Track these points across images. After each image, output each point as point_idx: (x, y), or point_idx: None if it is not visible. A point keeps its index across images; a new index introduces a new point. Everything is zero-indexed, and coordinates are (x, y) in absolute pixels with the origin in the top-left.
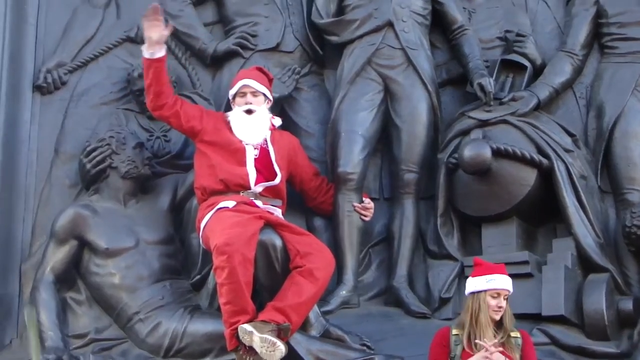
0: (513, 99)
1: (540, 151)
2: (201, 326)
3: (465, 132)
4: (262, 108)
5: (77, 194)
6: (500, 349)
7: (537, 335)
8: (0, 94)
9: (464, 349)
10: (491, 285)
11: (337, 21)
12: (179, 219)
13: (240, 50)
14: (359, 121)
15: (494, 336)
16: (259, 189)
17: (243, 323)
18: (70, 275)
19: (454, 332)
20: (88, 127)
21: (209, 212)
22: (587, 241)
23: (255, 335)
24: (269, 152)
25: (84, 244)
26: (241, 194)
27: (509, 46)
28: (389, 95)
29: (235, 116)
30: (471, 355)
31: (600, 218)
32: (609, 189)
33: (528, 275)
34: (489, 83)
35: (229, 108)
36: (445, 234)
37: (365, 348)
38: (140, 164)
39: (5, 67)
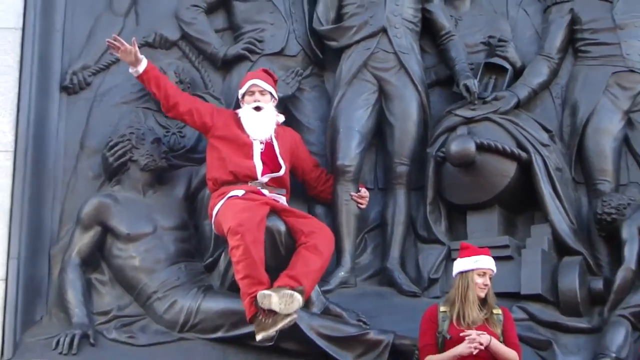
0: (495, 99)
1: (520, 146)
2: (213, 304)
3: (452, 129)
4: (269, 106)
5: (101, 184)
6: (483, 333)
7: (517, 311)
8: (31, 94)
9: (451, 323)
10: (478, 265)
11: (336, 28)
12: (193, 207)
13: (248, 54)
14: (356, 119)
15: (479, 312)
16: (265, 179)
17: (261, 290)
18: (95, 258)
19: (442, 309)
20: (110, 124)
21: (220, 200)
22: (561, 227)
23: (273, 297)
24: (273, 146)
25: (107, 230)
26: (249, 184)
27: (492, 50)
28: (383, 95)
29: (245, 113)
30: (457, 330)
31: (574, 206)
32: (582, 179)
33: (508, 258)
34: (474, 84)
35: (237, 107)
36: (433, 221)
37: (361, 324)
38: (158, 158)
39: (35, 69)
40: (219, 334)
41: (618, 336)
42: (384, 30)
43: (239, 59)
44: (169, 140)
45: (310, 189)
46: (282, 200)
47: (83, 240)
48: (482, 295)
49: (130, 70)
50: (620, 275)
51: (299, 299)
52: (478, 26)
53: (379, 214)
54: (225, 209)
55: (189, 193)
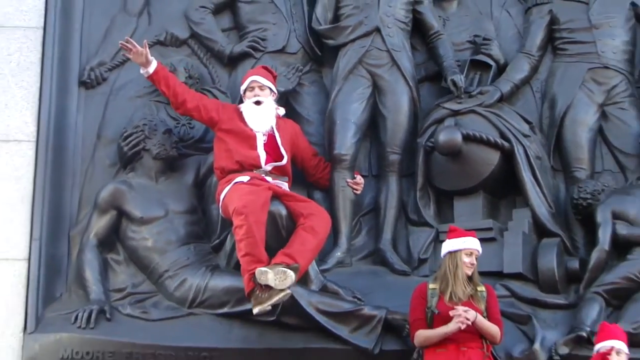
0: (480, 93)
1: (503, 136)
2: (220, 282)
3: (440, 120)
4: (268, 100)
5: (116, 172)
6: (469, 309)
7: (499, 289)
8: (52, 88)
9: (439, 300)
10: (466, 245)
11: (333, 27)
12: (201, 192)
13: (252, 52)
14: (351, 111)
15: (465, 289)
16: (268, 167)
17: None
18: (111, 240)
19: (431, 286)
20: (125, 116)
21: (227, 186)
22: (541, 211)
23: (269, 273)
24: (275, 137)
25: (122, 214)
26: (254, 171)
27: (477, 48)
28: (376, 89)
29: (247, 107)
30: (445, 305)
31: (552, 192)
32: (560, 167)
33: (492, 240)
34: (460, 79)
35: (242, 102)
36: (423, 205)
37: (356, 300)
38: (169, 147)
39: (56, 66)
40: (225, 310)
41: (593, 311)
42: (377, 30)
43: (243, 56)
44: (179, 131)
45: (310, 176)
46: (285, 186)
47: (100, 223)
48: (469, 273)
49: (141, 71)
50: (595, 256)
51: (291, 275)
52: (464, 26)
53: (372, 199)
54: (231, 193)
55: (198, 180)
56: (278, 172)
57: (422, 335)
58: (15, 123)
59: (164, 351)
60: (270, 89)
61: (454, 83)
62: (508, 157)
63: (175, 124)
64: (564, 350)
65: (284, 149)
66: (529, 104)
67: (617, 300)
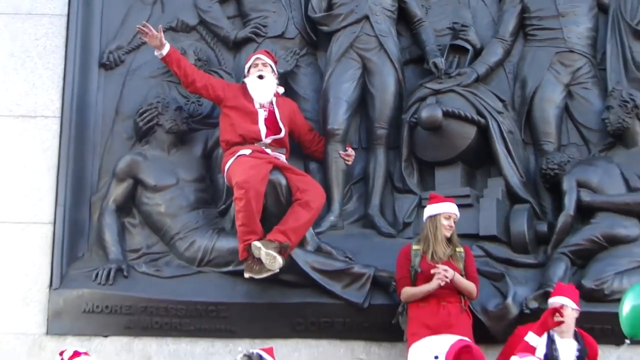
0: (459, 74)
1: (479, 113)
2: (226, 243)
3: (422, 99)
4: (270, 75)
5: (132, 144)
6: (448, 268)
7: (476, 249)
8: (75, 69)
9: (422, 259)
10: (444, 209)
11: (327, 15)
12: (209, 163)
13: (255, 37)
14: (343, 90)
15: (445, 250)
16: (268, 140)
17: (253, 241)
18: (128, 205)
19: (414, 247)
20: (140, 94)
21: (231, 158)
22: (513, 180)
23: (262, 250)
24: (275, 113)
25: (137, 182)
26: (255, 144)
27: (456, 34)
28: (365, 71)
29: (251, 81)
30: (427, 264)
31: (523, 163)
32: (530, 141)
33: (469, 205)
34: (441, 62)
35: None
36: (407, 175)
37: (347, 259)
38: (180, 122)
39: (78, 50)
40: (230, 268)
41: (559, 270)
42: (366, 18)
43: (247, 40)
44: (188, 108)
45: (305, 148)
46: (282, 158)
47: (118, 190)
48: (448, 235)
49: (156, 53)
50: (561, 220)
51: (279, 261)
52: (444, 14)
53: (362, 169)
54: (235, 165)
55: (206, 152)
56: (277, 144)
57: (407, 292)
58: (42, 101)
59: (175, 305)
60: (272, 67)
61: (435, 65)
62: (483, 131)
63: (186, 101)
64: (534, 304)
65: (282, 124)
66: (502, 84)
67: (581, 260)
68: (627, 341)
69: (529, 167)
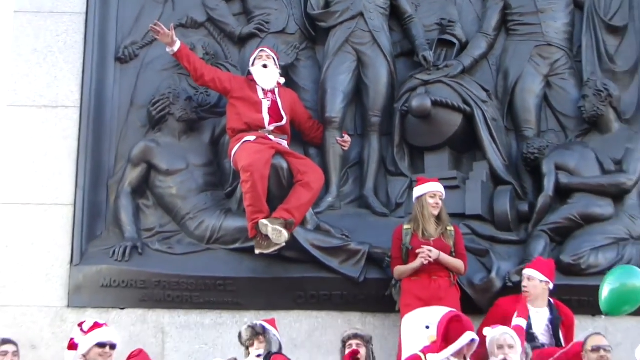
0: (446, 66)
1: (465, 102)
2: (232, 222)
3: (413, 89)
4: (272, 66)
5: (146, 132)
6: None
7: (462, 228)
8: (93, 63)
9: (413, 237)
10: (429, 188)
11: (325, 12)
12: (216, 149)
13: (258, 33)
14: (340, 82)
15: (436, 227)
16: (271, 128)
17: (261, 219)
18: (142, 188)
19: (405, 227)
20: (153, 86)
21: (237, 144)
22: (497, 164)
23: (269, 227)
24: (277, 103)
25: (151, 167)
26: (259, 131)
27: (443, 29)
28: (360, 63)
29: (256, 70)
30: (418, 241)
31: (505, 148)
32: (512, 127)
33: (456, 187)
34: (430, 55)
35: (249, 74)
36: (399, 159)
37: (344, 237)
38: (190, 111)
39: (96, 45)
40: (237, 245)
41: (539, 246)
42: (361, 14)
43: (251, 36)
44: (198, 98)
45: (305, 135)
46: (284, 143)
47: (133, 174)
48: (435, 212)
49: (167, 49)
50: (541, 200)
51: (285, 235)
52: (432, 11)
53: (358, 154)
54: (241, 151)
55: (214, 138)
56: (279, 131)
57: (398, 270)
58: (63, 92)
59: (186, 280)
60: (274, 59)
61: (425, 58)
62: (469, 119)
63: (195, 92)
64: (516, 278)
65: (284, 112)
66: (486, 75)
67: (559, 237)
68: (603, 316)
69: (511, 151)
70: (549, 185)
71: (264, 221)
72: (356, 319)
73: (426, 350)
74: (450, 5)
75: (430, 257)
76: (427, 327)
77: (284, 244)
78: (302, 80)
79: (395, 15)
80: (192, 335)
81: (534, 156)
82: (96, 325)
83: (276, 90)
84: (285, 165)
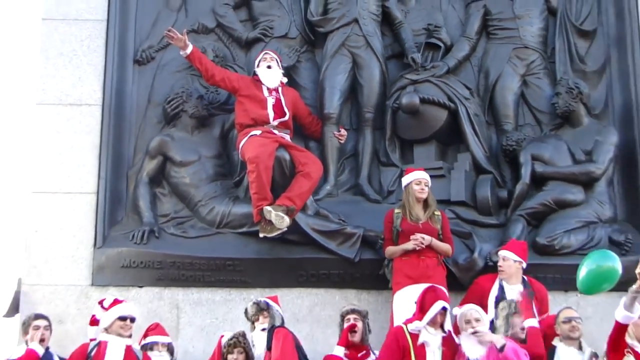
0: (433, 67)
1: (450, 99)
2: (240, 209)
3: (403, 87)
4: (276, 67)
5: (162, 127)
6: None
7: (448, 213)
8: (113, 65)
9: (402, 220)
10: (414, 176)
11: (323, 19)
12: (226, 142)
13: (263, 37)
14: (337, 81)
15: (423, 212)
16: (275, 123)
17: (265, 206)
18: (158, 178)
19: (396, 211)
20: (168, 85)
21: (244, 137)
22: (479, 155)
23: (272, 213)
24: (281, 100)
25: (166, 158)
26: (264, 126)
27: (430, 34)
28: (355, 65)
29: (261, 70)
30: (408, 224)
31: (487, 140)
32: (492, 122)
33: (442, 176)
34: (418, 57)
35: (255, 74)
36: (391, 151)
37: (341, 221)
38: (201, 108)
39: (116, 49)
40: (244, 229)
41: (517, 229)
42: (356, 21)
43: (256, 40)
44: (208, 96)
45: (306, 129)
46: (287, 137)
47: (150, 165)
48: (421, 197)
49: (181, 52)
50: (519, 188)
51: (287, 221)
52: (420, 17)
53: (353, 146)
54: (247, 144)
55: (223, 133)
56: (282, 126)
57: (389, 250)
58: (87, 91)
59: (198, 260)
60: (277, 61)
61: (413, 60)
62: (454, 114)
63: (206, 91)
64: (496, 258)
65: (287, 109)
66: (469, 75)
67: (535, 220)
68: (577, 294)
69: (491, 143)
70: (525, 174)
71: (268, 208)
72: (352, 295)
73: (407, 322)
74: (436, 11)
75: (422, 243)
76: (416, 303)
77: (285, 229)
78: (303, 80)
79: (387, 21)
80: (204, 311)
81: (512, 148)
82: (116, 301)
83: (279, 89)
84: (287, 157)
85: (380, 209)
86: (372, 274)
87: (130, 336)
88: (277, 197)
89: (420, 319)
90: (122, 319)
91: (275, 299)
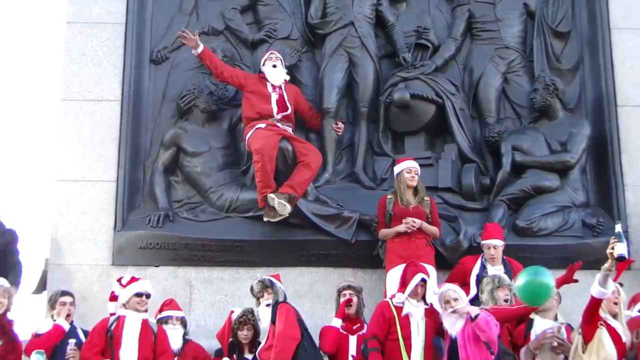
0: (422, 65)
1: (438, 95)
2: (247, 195)
3: (395, 84)
4: (280, 66)
5: (175, 121)
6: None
7: (436, 198)
8: (131, 64)
9: (394, 205)
10: (404, 166)
11: (322, 22)
12: (234, 134)
13: (267, 39)
14: (335, 79)
15: (414, 197)
16: (279, 117)
17: (269, 193)
18: (173, 167)
19: (389, 197)
20: (181, 83)
21: (250, 130)
22: (464, 145)
23: (275, 200)
24: (284, 96)
25: (179, 149)
26: (269, 120)
27: (419, 35)
28: (351, 64)
29: (267, 68)
30: (399, 208)
31: (471, 132)
32: (476, 115)
33: (430, 165)
34: (408, 56)
35: (261, 72)
36: (384, 142)
37: (339, 206)
38: (211, 104)
39: (134, 49)
40: (250, 214)
41: (499, 213)
42: (352, 24)
43: (261, 41)
44: (218, 93)
45: (306, 123)
46: (289, 130)
47: (165, 156)
48: (412, 184)
49: (193, 52)
50: (500, 175)
51: (288, 208)
52: (411, 20)
53: (349, 138)
54: (253, 136)
55: (231, 126)
56: (285, 119)
57: (383, 233)
58: (107, 88)
59: (209, 242)
60: (281, 60)
61: (404, 59)
62: (441, 109)
63: (215, 88)
64: (480, 239)
65: (289, 104)
66: (455, 72)
67: (515, 205)
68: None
69: (475, 135)
70: (506, 162)
71: (272, 195)
72: (349, 273)
73: (392, 297)
74: (425, 15)
75: (413, 226)
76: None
77: (287, 215)
78: (304, 77)
79: (380, 24)
80: (214, 288)
81: (494, 139)
82: (133, 279)
83: (283, 85)
84: (290, 148)
85: (375, 195)
86: (367, 254)
87: (146, 311)
88: (280, 184)
89: (403, 292)
90: (139, 295)
91: (277, 277)
